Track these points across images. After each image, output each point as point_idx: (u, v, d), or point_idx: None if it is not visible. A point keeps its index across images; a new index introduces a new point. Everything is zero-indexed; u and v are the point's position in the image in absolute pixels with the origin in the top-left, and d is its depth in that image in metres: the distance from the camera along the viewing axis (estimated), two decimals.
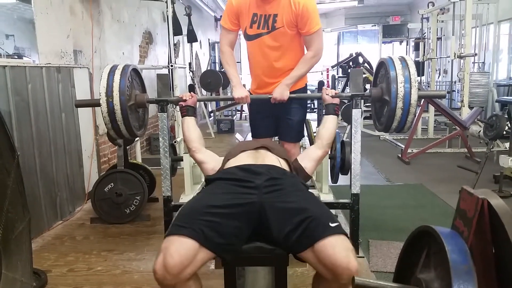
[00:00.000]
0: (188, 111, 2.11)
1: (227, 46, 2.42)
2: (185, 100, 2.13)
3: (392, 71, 2.02)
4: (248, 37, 2.35)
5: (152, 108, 3.03)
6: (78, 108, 3.36)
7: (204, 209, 1.39)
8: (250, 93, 2.56)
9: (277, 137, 2.64)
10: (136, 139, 3.81)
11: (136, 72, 2.28)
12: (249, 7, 2.28)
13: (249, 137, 4.74)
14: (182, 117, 2.11)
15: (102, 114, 2.06)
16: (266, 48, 2.32)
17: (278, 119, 2.47)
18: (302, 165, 1.84)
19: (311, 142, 4.66)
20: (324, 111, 2.11)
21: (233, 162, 1.72)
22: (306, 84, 2.50)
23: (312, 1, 2.23)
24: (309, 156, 1.90)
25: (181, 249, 1.27)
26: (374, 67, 2.29)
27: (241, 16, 2.32)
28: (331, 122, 2.03)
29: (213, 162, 1.85)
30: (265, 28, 2.27)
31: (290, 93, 2.30)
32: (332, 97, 2.09)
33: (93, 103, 2.20)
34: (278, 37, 2.28)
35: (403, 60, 2.07)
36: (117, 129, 2.10)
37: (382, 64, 2.17)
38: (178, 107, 4.96)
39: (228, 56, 2.42)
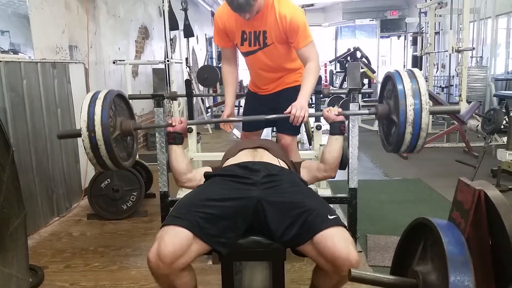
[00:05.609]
0: (176, 138, 1.87)
1: (226, 65, 2.39)
2: (173, 126, 1.88)
3: (399, 86, 1.73)
4: (242, 53, 2.34)
5: (149, 104, 3.01)
6: (74, 103, 3.34)
7: (201, 202, 1.40)
8: (249, 90, 2.59)
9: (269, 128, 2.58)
10: None
11: (121, 97, 2.01)
12: (236, 24, 2.19)
13: None
14: (169, 145, 1.90)
15: (85, 150, 1.83)
16: (261, 63, 2.30)
17: (276, 112, 2.43)
18: (302, 176, 1.79)
19: (309, 138, 4.66)
20: (329, 130, 1.91)
21: (231, 161, 1.73)
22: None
23: (298, 13, 2.08)
24: (311, 173, 1.87)
25: (175, 238, 1.27)
26: (380, 81, 2.00)
27: (230, 34, 2.25)
28: (336, 144, 1.84)
29: (201, 179, 1.78)
30: (256, 45, 2.22)
31: (284, 89, 2.33)
32: (337, 115, 1.87)
33: (77, 134, 1.89)
34: (272, 52, 2.23)
35: (412, 76, 1.75)
36: (103, 164, 1.88)
37: (388, 78, 1.88)
38: (173, 102, 4.87)
39: (226, 74, 2.40)
